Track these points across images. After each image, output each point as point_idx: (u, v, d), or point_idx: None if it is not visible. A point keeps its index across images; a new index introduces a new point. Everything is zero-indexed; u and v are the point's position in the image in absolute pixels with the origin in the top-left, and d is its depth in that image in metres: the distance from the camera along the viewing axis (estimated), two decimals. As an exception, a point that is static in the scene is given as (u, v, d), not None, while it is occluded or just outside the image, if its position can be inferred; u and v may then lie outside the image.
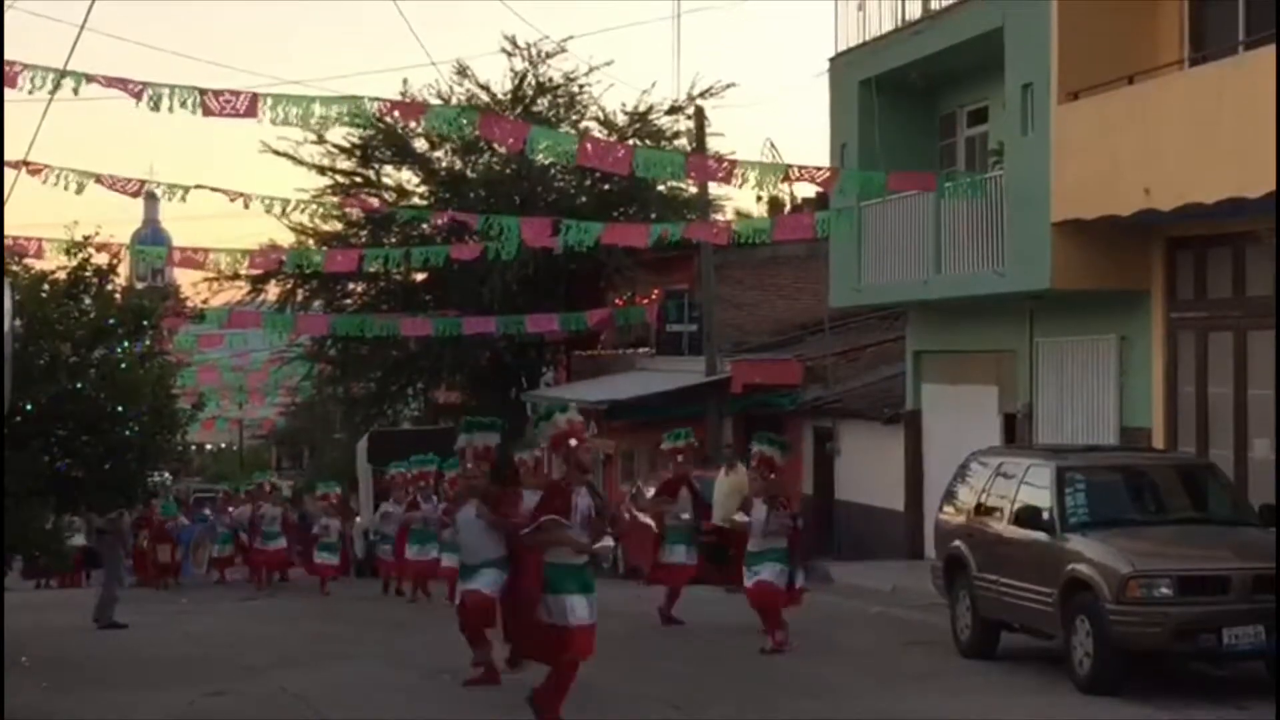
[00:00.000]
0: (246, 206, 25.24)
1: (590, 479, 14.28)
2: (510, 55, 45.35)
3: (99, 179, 24.40)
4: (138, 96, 19.89)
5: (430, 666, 18.92)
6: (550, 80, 45.69)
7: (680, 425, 25.94)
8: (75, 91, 19.54)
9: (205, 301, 45.00)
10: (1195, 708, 15.05)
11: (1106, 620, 15.64)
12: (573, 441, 14.03)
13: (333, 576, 33.78)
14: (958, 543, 19.03)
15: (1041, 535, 17.04)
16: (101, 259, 21.53)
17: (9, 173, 22.75)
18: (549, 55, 45.27)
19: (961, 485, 19.60)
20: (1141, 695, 15.46)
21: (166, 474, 28.41)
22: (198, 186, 25.28)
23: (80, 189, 23.68)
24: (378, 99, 22.78)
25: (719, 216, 41.67)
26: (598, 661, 18.33)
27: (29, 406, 18.14)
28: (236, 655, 19.63)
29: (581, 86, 45.80)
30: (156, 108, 19.94)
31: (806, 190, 37.37)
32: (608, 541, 13.92)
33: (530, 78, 45.48)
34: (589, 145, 25.16)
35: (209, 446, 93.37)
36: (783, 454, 20.76)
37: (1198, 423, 21.80)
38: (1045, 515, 17.08)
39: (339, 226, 45.79)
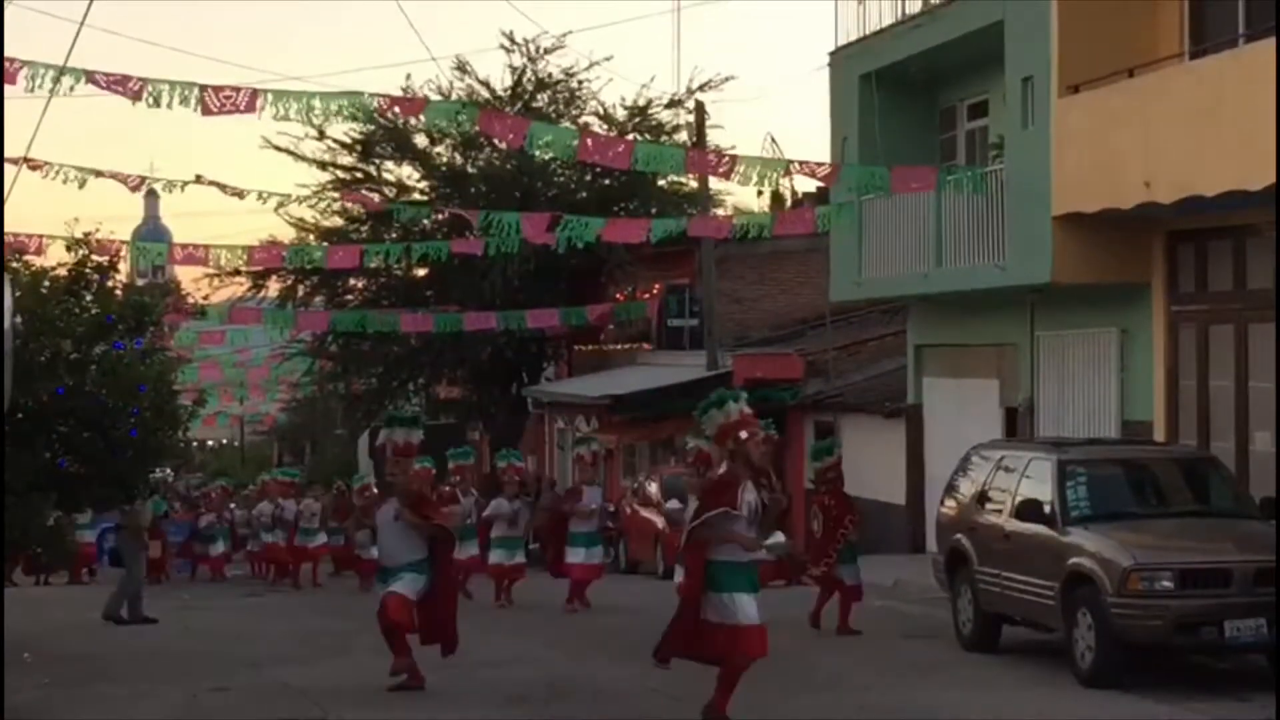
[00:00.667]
0: (242, 198, 25.27)
1: (764, 472, 13.60)
2: (509, 51, 45.37)
3: (99, 173, 24.43)
4: (137, 97, 19.89)
5: (432, 661, 18.93)
6: (550, 76, 45.69)
7: (682, 421, 26.06)
8: (73, 90, 19.56)
9: (206, 298, 45.02)
10: (1196, 700, 15.06)
11: (1108, 613, 15.65)
12: (743, 434, 13.47)
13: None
14: (959, 536, 19.04)
15: (1043, 529, 17.05)
16: (102, 256, 21.54)
17: (9, 169, 22.79)
18: (548, 51, 45.30)
19: (963, 479, 19.62)
20: (1143, 688, 15.47)
21: (168, 470, 28.33)
22: (196, 180, 25.30)
23: (82, 184, 23.71)
24: (378, 94, 22.81)
25: (719, 211, 41.69)
26: (604, 655, 18.41)
27: (30, 403, 18.15)
28: (239, 650, 19.64)
29: (581, 82, 45.82)
30: (156, 105, 19.96)
31: (807, 184, 37.41)
32: (779, 537, 13.43)
33: (529, 73, 45.47)
34: (589, 140, 25.16)
35: (210, 443, 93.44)
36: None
37: (1199, 416, 21.81)
38: (1047, 509, 17.09)
39: (340, 222, 45.82)
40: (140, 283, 60.75)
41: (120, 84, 19.91)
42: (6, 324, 11.29)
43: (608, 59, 61.04)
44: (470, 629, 17.91)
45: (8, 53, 19.20)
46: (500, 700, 15.71)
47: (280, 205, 25.68)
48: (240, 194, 25.18)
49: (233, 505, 42.47)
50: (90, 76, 19.70)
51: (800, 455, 33.68)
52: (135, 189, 25.92)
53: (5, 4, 16.00)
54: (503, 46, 45.21)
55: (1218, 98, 19.03)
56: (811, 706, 15.30)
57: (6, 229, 24.88)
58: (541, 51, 45.21)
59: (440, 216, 38.10)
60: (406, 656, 16.20)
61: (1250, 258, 20.96)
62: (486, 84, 45.49)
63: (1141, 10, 22.11)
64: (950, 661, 18.00)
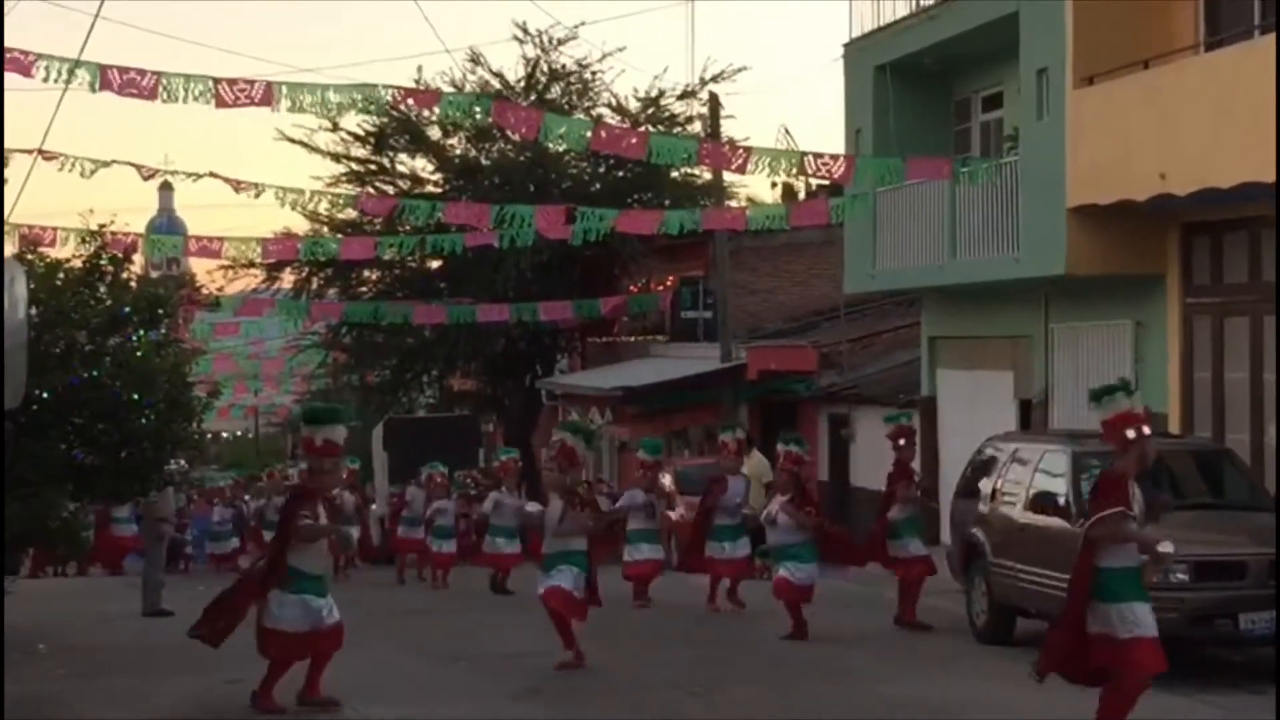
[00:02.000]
0: (257, 196, 25.24)
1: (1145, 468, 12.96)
2: (522, 42, 45.35)
3: (111, 163, 24.42)
4: (152, 96, 19.88)
5: (446, 653, 18.94)
6: (563, 67, 45.66)
7: (697, 411, 25.97)
8: (93, 88, 19.55)
9: (221, 290, 45.04)
10: (1210, 693, 15.05)
11: (1123, 606, 15.60)
12: (1136, 430, 12.81)
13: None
14: (974, 529, 19.03)
15: (1057, 521, 17.04)
16: (117, 248, 21.56)
17: (25, 160, 22.80)
18: (561, 42, 45.27)
19: (977, 471, 19.61)
20: (1157, 680, 15.41)
21: (183, 462, 28.30)
22: (210, 175, 25.28)
23: (91, 173, 23.71)
24: (392, 86, 22.79)
25: (733, 202, 41.66)
26: (617, 647, 18.40)
27: (45, 394, 18.15)
28: (254, 643, 19.63)
29: (594, 73, 45.79)
30: (172, 100, 19.97)
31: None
32: (1167, 546, 12.72)
33: (543, 64, 45.45)
34: (603, 132, 25.14)
35: (224, 435, 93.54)
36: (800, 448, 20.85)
37: (1213, 408, 21.77)
38: (1061, 501, 17.09)
39: (353, 214, 45.81)
40: (155, 275, 60.82)
41: (134, 84, 19.88)
42: (7, 318, 11.28)
43: (620, 50, 60.97)
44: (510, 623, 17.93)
45: (23, 45, 19.23)
46: (510, 693, 15.72)
47: (295, 204, 25.61)
48: (257, 191, 25.11)
49: (246, 497, 42.43)
50: (104, 76, 19.68)
51: (815, 446, 33.67)
52: (149, 178, 25.92)
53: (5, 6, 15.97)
54: (516, 38, 45.21)
55: (1233, 89, 19.00)
56: (824, 697, 15.30)
57: (21, 221, 24.98)
58: (555, 43, 45.21)
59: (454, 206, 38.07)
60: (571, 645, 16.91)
61: (1265, 250, 20.91)
62: (500, 75, 45.49)
63: (1156, 2, 22.07)
64: (964, 653, 17.99)
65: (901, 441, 21.54)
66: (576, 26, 55.69)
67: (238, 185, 25.13)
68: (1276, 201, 18.27)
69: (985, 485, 19.19)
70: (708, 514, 22.61)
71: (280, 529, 15.08)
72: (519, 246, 32.45)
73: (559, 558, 17.03)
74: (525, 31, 45.09)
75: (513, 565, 26.29)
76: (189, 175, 25.70)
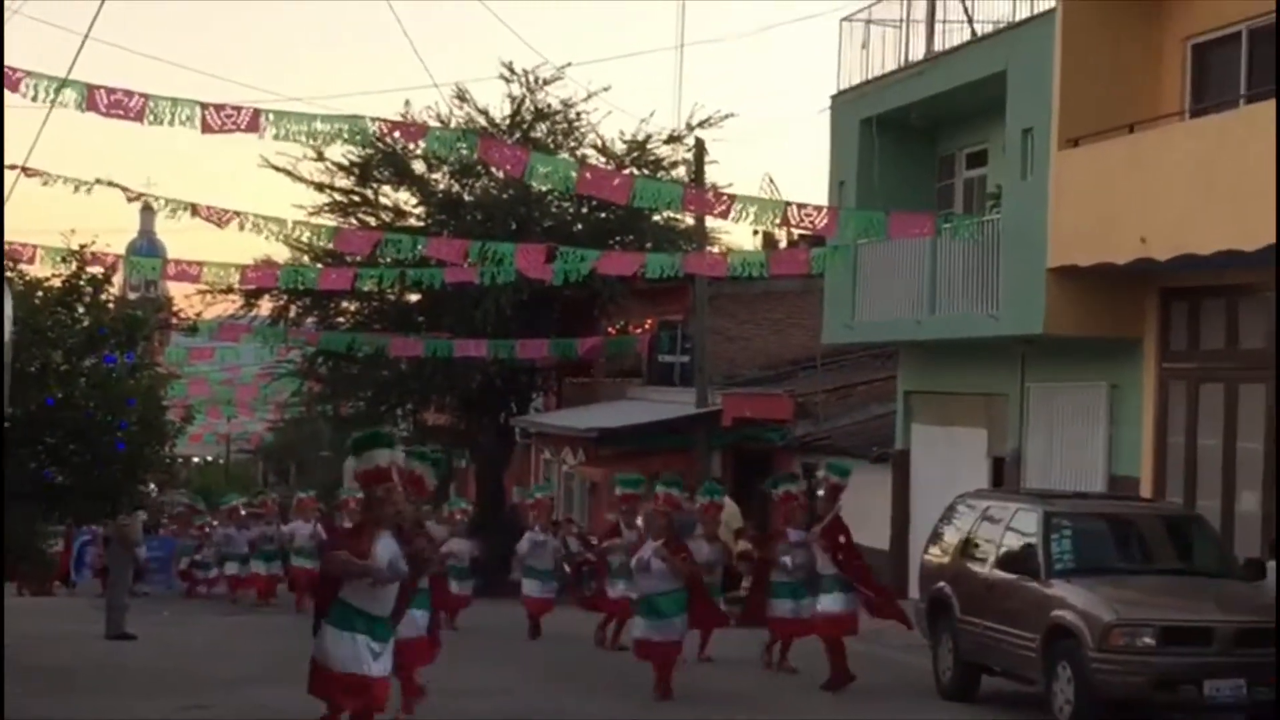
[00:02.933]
0: (241, 228, 25.14)
1: None
2: (508, 81, 45.40)
3: (94, 184, 24.37)
4: (139, 118, 19.86)
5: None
6: (548, 106, 45.72)
7: (669, 457, 25.82)
8: (79, 107, 19.52)
9: (199, 315, 44.92)
10: (1174, 758, 15.04)
11: (1088, 667, 15.63)
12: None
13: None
14: (942, 584, 19.03)
15: (1026, 580, 17.05)
16: (96, 268, 21.52)
17: (8, 176, 22.76)
18: (547, 82, 45.33)
19: (948, 527, 19.62)
20: (1120, 744, 15.44)
21: (152, 485, 28.18)
22: (193, 214, 25.09)
23: (78, 189, 23.67)
24: (379, 119, 22.80)
25: (714, 249, 41.70)
26: (576, 688, 18.34)
27: (19, 413, 18.11)
28: (216, 669, 19.58)
29: (579, 114, 45.85)
30: (158, 123, 19.94)
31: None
32: None
33: (528, 103, 45.50)
34: (588, 173, 25.17)
35: (195, 459, 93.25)
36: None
37: (1186, 473, 21.82)
38: (1031, 560, 17.09)
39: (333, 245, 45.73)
40: (132, 297, 60.67)
41: (121, 105, 19.86)
42: (7, 336, 11.28)
43: (606, 89, 61.13)
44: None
45: (10, 62, 19.20)
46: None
47: (276, 235, 25.53)
48: (241, 224, 24.93)
49: (214, 522, 42.21)
50: (91, 97, 19.65)
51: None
52: (133, 200, 25.86)
53: (5, 16, 15.98)
54: (502, 76, 45.25)
55: (1216, 156, 19.09)
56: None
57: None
58: (540, 82, 45.27)
59: (435, 241, 38.02)
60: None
61: (1243, 317, 21.00)
62: (485, 113, 45.53)
63: (1144, 67, 22.20)
64: (928, 709, 17.98)
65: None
66: (563, 67, 55.44)
67: (220, 220, 25.02)
68: (1277, 268, 18.27)
69: (955, 541, 19.19)
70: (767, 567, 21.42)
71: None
72: (499, 284, 32.44)
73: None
74: (511, 70, 45.17)
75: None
76: (171, 205, 25.54)
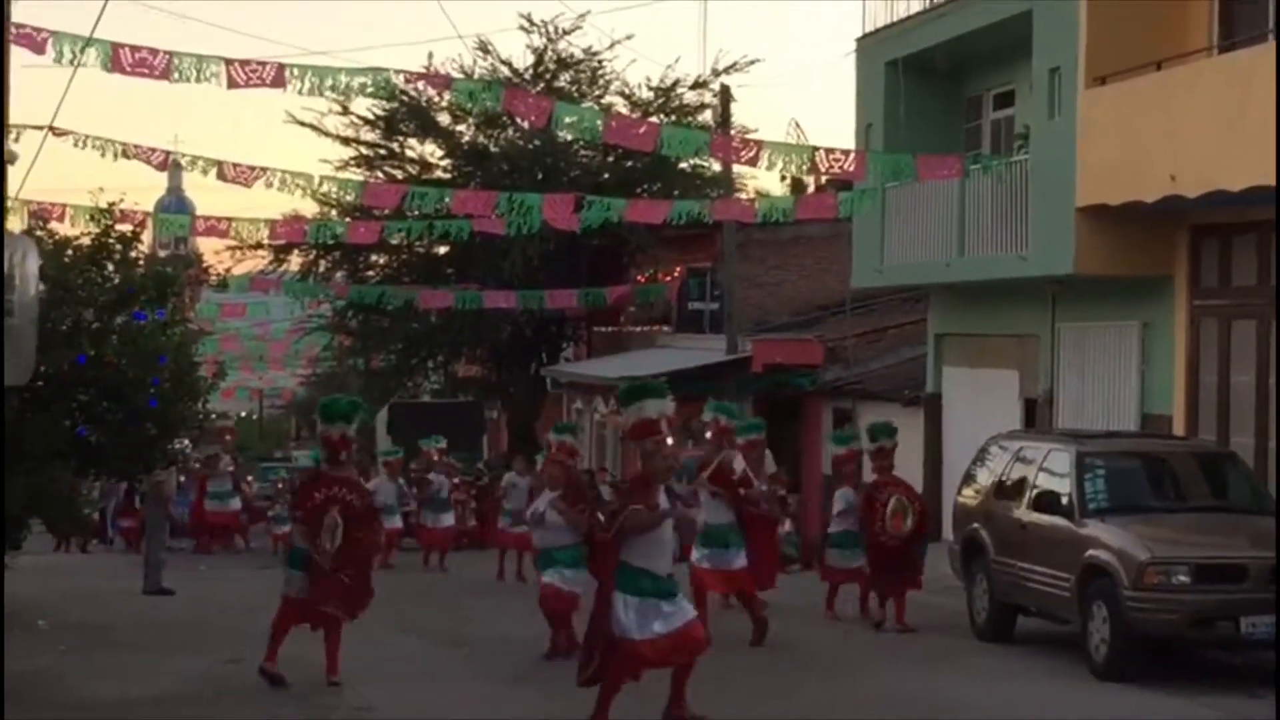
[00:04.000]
0: (269, 186, 25.12)
1: None
2: (528, 32, 45.36)
3: (124, 150, 24.42)
4: (164, 76, 19.89)
5: (448, 637, 18.99)
6: (571, 56, 45.66)
7: (700, 404, 25.62)
8: (105, 67, 19.55)
9: (228, 270, 45.08)
10: (1210, 695, 15.06)
11: (1124, 606, 15.64)
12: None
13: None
14: (976, 526, 19.05)
15: (1060, 520, 17.05)
16: (125, 226, 21.57)
17: (35, 135, 22.81)
18: (566, 32, 45.28)
19: (981, 469, 19.62)
20: (1156, 682, 15.47)
21: (186, 442, 28.23)
22: (220, 166, 25.14)
23: (103, 153, 23.71)
24: (403, 71, 22.79)
25: (741, 195, 41.63)
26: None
27: (51, 371, 18.18)
28: (253, 623, 19.64)
29: (602, 62, 45.79)
30: (182, 79, 19.97)
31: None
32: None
33: (550, 53, 45.45)
34: (613, 122, 25.12)
35: (229, 415, 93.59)
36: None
37: (1219, 411, 21.76)
38: (1064, 500, 17.09)
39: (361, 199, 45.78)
40: (162, 254, 60.82)
41: (145, 64, 19.88)
42: (19, 294, 11.28)
43: (629, 37, 60.91)
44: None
45: (35, 22, 19.23)
46: (514, 676, 15.77)
47: (303, 190, 25.53)
48: (269, 181, 24.92)
49: (249, 478, 42.39)
50: (116, 56, 19.67)
51: (818, 440, 33.67)
52: (161, 168, 25.87)
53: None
54: (521, 28, 45.21)
55: (1245, 92, 18.96)
56: (824, 693, 15.32)
57: (31, 197, 24.97)
58: (560, 32, 45.22)
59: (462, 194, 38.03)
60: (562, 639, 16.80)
61: (1274, 252, 20.89)
62: (509, 64, 45.50)
63: (1171, 3, 22.02)
64: (963, 651, 18.01)
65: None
66: (582, 16, 55.46)
67: (247, 179, 25.01)
68: (1277, 203, 18.21)
69: (988, 483, 19.19)
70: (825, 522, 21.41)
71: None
72: (527, 235, 32.44)
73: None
74: (530, 22, 45.11)
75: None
76: (198, 163, 25.52)
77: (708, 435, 20.03)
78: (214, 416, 29.00)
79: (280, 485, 39.68)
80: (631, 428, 12.87)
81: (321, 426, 15.90)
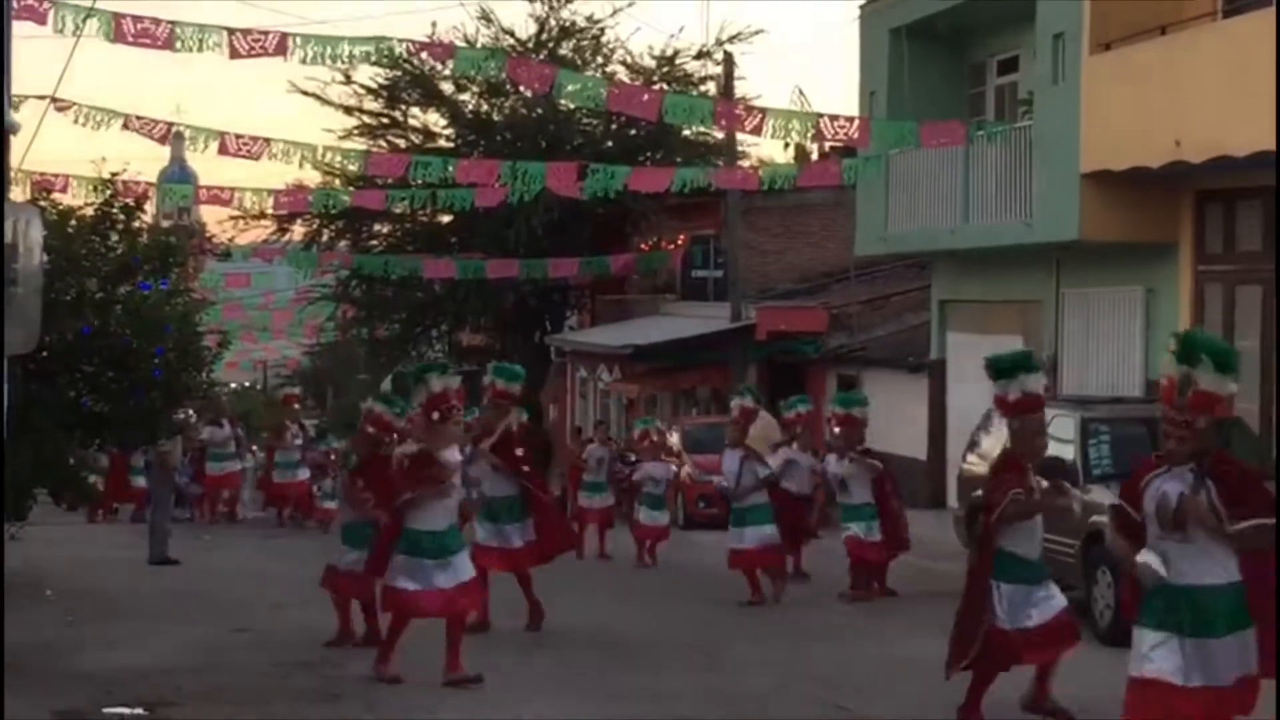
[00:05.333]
0: (271, 157, 25.07)
1: None
2: (530, 0, 45.32)
3: (126, 123, 24.39)
4: (167, 46, 19.88)
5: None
6: (573, 24, 45.61)
7: (706, 370, 25.63)
8: (107, 37, 19.53)
9: (231, 240, 45.05)
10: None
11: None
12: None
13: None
14: (980, 492, 19.02)
15: (1065, 486, 17.03)
16: (128, 196, 21.52)
17: (37, 106, 22.79)
18: (568, 0, 45.27)
19: (985, 435, 19.64)
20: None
21: (190, 412, 28.06)
22: (222, 138, 25.10)
23: (98, 126, 23.67)
24: (406, 40, 22.76)
25: (744, 162, 41.59)
26: (623, 608, 18.46)
27: (55, 341, 18.16)
28: (259, 592, 19.71)
29: (602, 29, 45.74)
30: (184, 49, 19.95)
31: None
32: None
33: (552, 21, 45.40)
34: (616, 89, 25.07)
35: (233, 385, 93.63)
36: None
37: (1224, 376, 21.71)
38: (1069, 466, 17.08)
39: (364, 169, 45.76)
40: (166, 224, 60.71)
41: (148, 34, 19.86)
42: (22, 264, 11.26)
43: (630, 4, 60.73)
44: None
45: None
46: (528, 646, 15.77)
47: (305, 160, 25.53)
48: (271, 153, 24.88)
49: (254, 448, 42.32)
50: (118, 26, 19.65)
51: (822, 407, 33.66)
52: (162, 141, 25.82)
53: None
54: (522, -3, 45.20)
55: (1250, 57, 18.93)
56: (827, 658, 15.34)
57: (34, 168, 24.94)
58: (562, 1, 45.19)
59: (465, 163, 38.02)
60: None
61: (1276, 219, 20.87)
62: (511, 33, 45.43)
63: (1175, -33, 21.98)
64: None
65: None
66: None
67: (250, 152, 24.98)
68: (1277, 167, 18.16)
69: (993, 449, 19.17)
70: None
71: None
72: (530, 201, 32.41)
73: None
74: (531, -10, 45.11)
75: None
76: (200, 134, 25.47)
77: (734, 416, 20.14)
78: (217, 387, 28.78)
79: (332, 457, 38.55)
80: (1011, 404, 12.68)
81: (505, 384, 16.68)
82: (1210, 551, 8.91)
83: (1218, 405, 9.17)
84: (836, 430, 20.19)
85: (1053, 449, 17.45)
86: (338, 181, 41.67)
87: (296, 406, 36.18)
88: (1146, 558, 8.93)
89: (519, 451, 16.74)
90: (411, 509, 13.38)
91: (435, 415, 13.52)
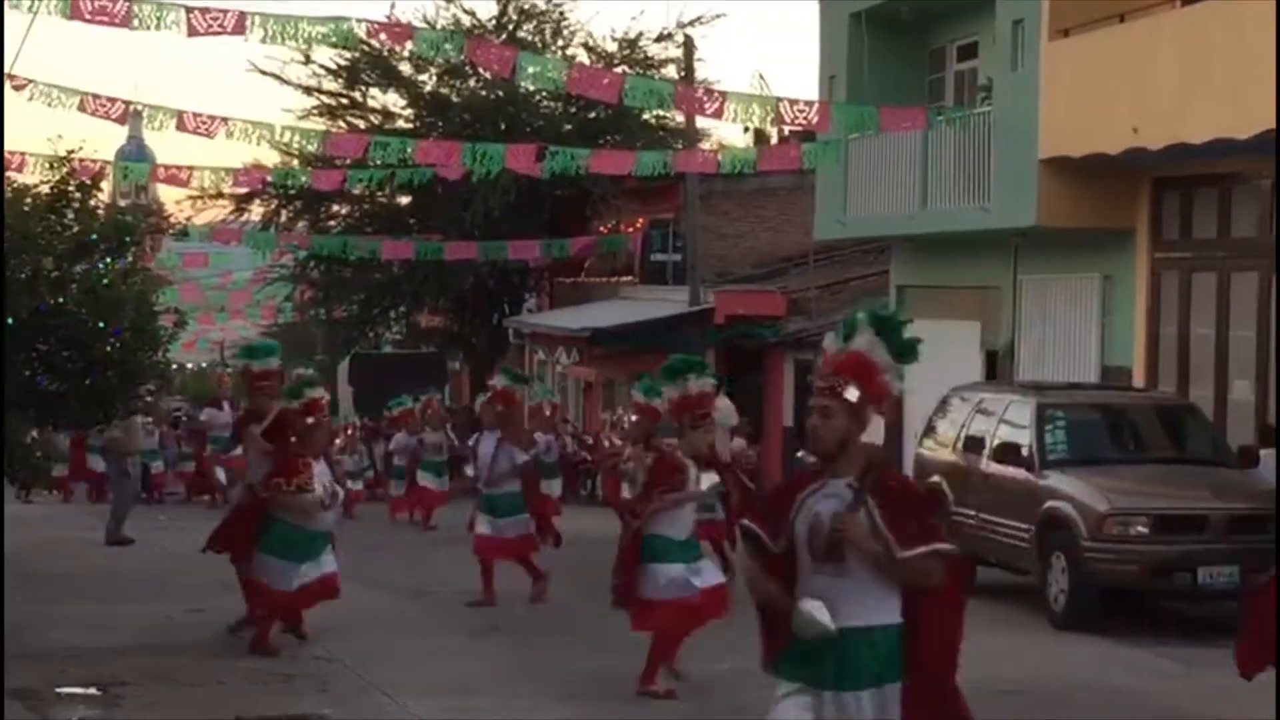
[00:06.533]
0: (230, 136, 24.97)
1: None
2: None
3: (82, 103, 24.25)
4: (124, 24, 19.75)
5: (406, 589, 18.99)
6: (535, 6, 45.57)
7: (664, 354, 25.42)
8: (64, 14, 19.40)
9: (189, 219, 44.83)
10: (1169, 645, 15.16)
11: (1083, 557, 15.74)
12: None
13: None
14: (936, 477, 19.10)
15: (1020, 471, 17.13)
16: (84, 174, 21.39)
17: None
18: (529, -17, 45.19)
19: (942, 420, 19.69)
20: (1116, 632, 15.56)
21: (150, 387, 27.73)
22: (180, 116, 24.97)
23: (61, 104, 23.54)
24: (365, 20, 22.67)
25: (705, 146, 41.58)
26: (572, 587, 18.47)
27: (10, 320, 18.05)
28: (214, 573, 19.62)
29: (563, 15, 45.70)
30: (142, 27, 19.84)
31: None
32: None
33: (513, 4, 45.34)
34: (576, 72, 25.02)
35: (190, 365, 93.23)
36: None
37: (1179, 363, 21.85)
38: (1025, 451, 17.17)
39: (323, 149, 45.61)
40: (123, 203, 60.46)
41: (105, 11, 19.73)
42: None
43: (592, -13, 60.66)
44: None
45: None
46: (471, 628, 15.78)
47: (263, 139, 25.42)
48: (229, 131, 24.76)
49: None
50: (75, 3, 19.50)
51: (780, 392, 33.75)
52: (120, 122, 25.68)
53: None
54: (483, -22, 45.09)
55: (1208, 45, 18.99)
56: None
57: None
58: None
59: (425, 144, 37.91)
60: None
61: (1235, 206, 20.98)
62: (472, 14, 45.37)
63: (1134, -45, 22.03)
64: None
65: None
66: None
67: (209, 130, 24.87)
68: (1278, 152, 18.18)
69: (949, 434, 19.25)
70: None
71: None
72: (489, 182, 32.31)
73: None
74: (495, -29, 45.00)
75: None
76: (157, 113, 25.33)
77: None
78: (175, 367, 28.65)
79: (350, 431, 37.76)
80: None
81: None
82: (868, 586, 7.14)
83: (874, 376, 7.69)
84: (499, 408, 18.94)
85: (1008, 434, 17.62)
86: (296, 162, 41.54)
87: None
88: (809, 605, 7.06)
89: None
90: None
91: (686, 419, 13.06)
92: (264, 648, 14.38)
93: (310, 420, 14.56)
